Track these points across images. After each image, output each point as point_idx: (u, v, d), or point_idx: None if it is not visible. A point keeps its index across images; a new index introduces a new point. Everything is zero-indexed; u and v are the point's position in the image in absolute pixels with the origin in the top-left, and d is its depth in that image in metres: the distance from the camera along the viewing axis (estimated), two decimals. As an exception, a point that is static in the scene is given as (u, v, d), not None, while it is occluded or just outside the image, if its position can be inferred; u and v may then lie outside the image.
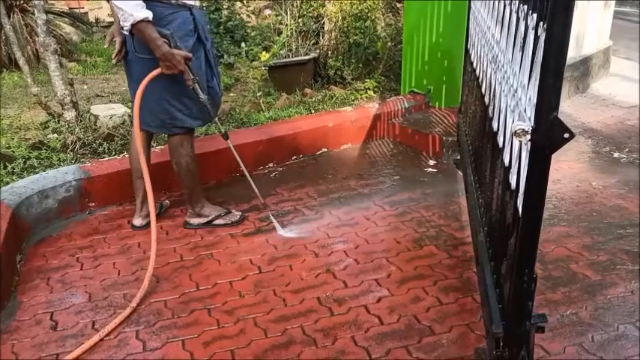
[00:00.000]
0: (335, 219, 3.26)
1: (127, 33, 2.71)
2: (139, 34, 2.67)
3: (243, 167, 3.15)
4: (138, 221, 3.18)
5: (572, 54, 5.33)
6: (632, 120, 4.86)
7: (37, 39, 5.48)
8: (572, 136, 1.44)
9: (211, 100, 2.94)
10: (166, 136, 3.10)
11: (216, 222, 3.20)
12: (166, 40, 2.68)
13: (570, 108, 5.17)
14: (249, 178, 3.14)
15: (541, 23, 1.50)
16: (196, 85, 2.82)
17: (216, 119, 3.04)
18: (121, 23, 2.66)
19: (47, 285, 2.69)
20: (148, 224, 3.16)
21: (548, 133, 1.45)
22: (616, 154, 4.14)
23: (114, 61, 2.92)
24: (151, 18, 2.62)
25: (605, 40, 6.24)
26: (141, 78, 2.74)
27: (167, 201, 3.44)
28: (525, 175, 1.54)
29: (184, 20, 2.80)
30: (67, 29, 6.99)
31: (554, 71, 1.42)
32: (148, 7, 2.63)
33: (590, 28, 5.61)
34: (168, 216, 3.32)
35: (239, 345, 2.25)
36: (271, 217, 3.17)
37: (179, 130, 2.97)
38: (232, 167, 3.85)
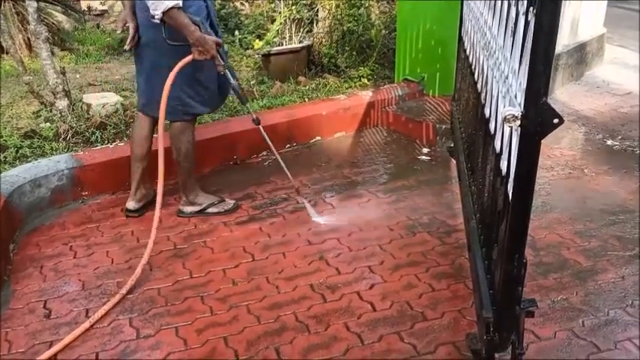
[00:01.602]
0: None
1: (157, 21, 2.70)
2: (170, 22, 2.69)
3: (274, 150, 3.18)
4: (131, 204, 3.17)
5: (567, 41, 5.32)
6: (626, 107, 4.87)
7: (28, 27, 5.43)
8: (561, 121, 1.45)
9: (220, 89, 3.02)
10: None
11: (210, 210, 3.20)
12: (197, 26, 2.71)
13: (564, 95, 5.17)
14: (280, 161, 3.16)
15: (531, 9, 1.50)
16: (227, 70, 2.88)
17: (247, 105, 3.18)
18: (152, 12, 2.66)
19: (40, 273, 2.69)
20: (141, 208, 3.19)
21: (538, 119, 1.45)
22: (609, 142, 4.15)
23: (127, 47, 2.91)
24: (181, 4, 2.64)
25: (600, 27, 6.23)
26: (171, 65, 2.75)
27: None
28: (515, 161, 1.54)
29: (198, 8, 2.82)
30: (58, 17, 6.92)
31: (543, 57, 1.42)
32: None
33: (584, 16, 5.60)
34: (162, 204, 3.30)
35: (232, 332, 2.26)
36: (305, 204, 3.17)
37: (188, 116, 3.00)
38: (226, 155, 3.85)
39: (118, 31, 2.96)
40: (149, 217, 3.17)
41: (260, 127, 3.11)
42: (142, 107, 3.08)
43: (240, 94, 3.04)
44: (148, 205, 3.24)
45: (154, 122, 3.08)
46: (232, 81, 2.93)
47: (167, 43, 2.79)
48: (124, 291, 2.49)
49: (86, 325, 2.29)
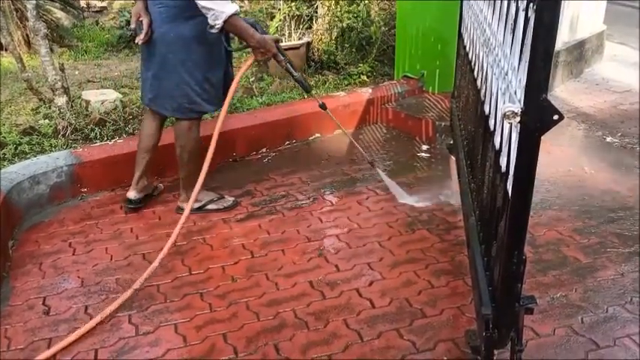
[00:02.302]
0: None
1: (216, 31, 2.73)
2: (231, 28, 2.76)
3: (343, 129, 3.34)
4: (132, 194, 3.17)
5: (566, 38, 5.31)
6: (625, 104, 4.86)
7: (27, 24, 5.42)
8: (561, 117, 1.45)
9: (224, 86, 3.04)
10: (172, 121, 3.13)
11: (209, 207, 3.20)
12: (254, 29, 2.79)
13: (564, 92, 5.17)
14: (351, 139, 3.27)
15: (531, 5, 1.50)
16: (288, 64, 2.93)
17: (313, 93, 3.28)
18: (211, 22, 2.69)
19: (40, 270, 2.69)
20: (140, 200, 3.21)
21: (538, 115, 1.45)
22: (608, 139, 4.15)
23: (140, 42, 2.90)
24: (239, 11, 2.70)
25: (599, 24, 6.22)
26: (183, 61, 2.83)
27: (161, 184, 3.44)
28: (515, 158, 1.54)
29: None
30: (57, 14, 6.90)
31: (543, 53, 1.42)
32: None
33: (584, 13, 5.59)
34: (160, 201, 3.31)
35: (231, 328, 2.27)
36: (390, 184, 3.18)
37: (194, 114, 3.01)
38: (225, 152, 3.84)
39: (132, 26, 2.93)
40: (148, 214, 3.18)
41: (328, 111, 3.23)
42: (149, 102, 3.06)
43: (304, 84, 3.11)
44: (148, 198, 3.25)
45: (162, 118, 3.12)
46: (295, 74, 2.99)
47: (226, 48, 2.92)
48: (136, 286, 2.48)
49: (97, 319, 2.29)
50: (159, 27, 2.84)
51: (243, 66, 2.89)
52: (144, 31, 2.84)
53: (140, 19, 2.86)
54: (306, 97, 4.47)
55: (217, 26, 2.70)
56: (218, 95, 3.02)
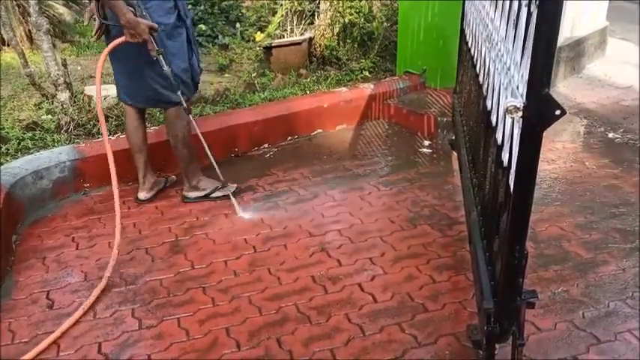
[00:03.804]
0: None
1: None
2: (107, 4, 2.72)
3: (207, 148, 3.12)
4: (142, 194, 3.23)
5: (568, 34, 5.30)
6: (628, 101, 4.86)
7: (29, 19, 5.42)
8: (563, 112, 1.45)
9: (191, 78, 3.03)
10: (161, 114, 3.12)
11: (215, 195, 3.24)
12: (132, 9, 2.70)
13: (566, 88, 5.16)
14: (215, 165, 3.13)
15: (534, 0, 1.50)
16: (160, 56, 2.83)
17: (179, 94, 2.99)
18: None
19: (43, 264, 2.70)
20: (152, 197, 3.26)
21: (540, 110, 1.45)
22: (610, 135, 4.14)
23: (93, 38, 2.97)
24: None
25: (602, 20, 6.20)
26: (142, 53, 2.78)
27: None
28: (517, 153, 1.54)
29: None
30: (59, 9, 6.89)
31: (546, 48, 1.42)
32: None
33: (586, 9, 5.58)
34: (163, 196, 3.32)
35: (234, 323, 2.28)
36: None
37: (167, 105, 3.02)
38: (227, 148, 3.85)
39: (85, 23, 2.98)
40: (151, 209, 3.19)
41: (191, 116, 3.06)
42: (124, 97, 3.11)
43: (171, 81, 2.89)
44: (160, 192, 3.32)
45: (142, 111, 3.15)
46: (165, 67, 2.85)
47: (102, 22, 2.82)
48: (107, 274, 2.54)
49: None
50: (115, 23, 2.82)
51: (111, 44, 2.78)
52: (96, 27, 2.89)
53: (93, 16, 2.90)
54: (307, 92, 4.48)
55: None
56: (187, 85, 3.01)
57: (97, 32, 2.91)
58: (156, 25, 2.76)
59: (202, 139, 3.05)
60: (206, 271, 2.63)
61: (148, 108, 3.36)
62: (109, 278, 2.55)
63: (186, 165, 3.16)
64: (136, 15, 2.71)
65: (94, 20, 2.90)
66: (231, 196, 3.17)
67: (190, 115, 3.07)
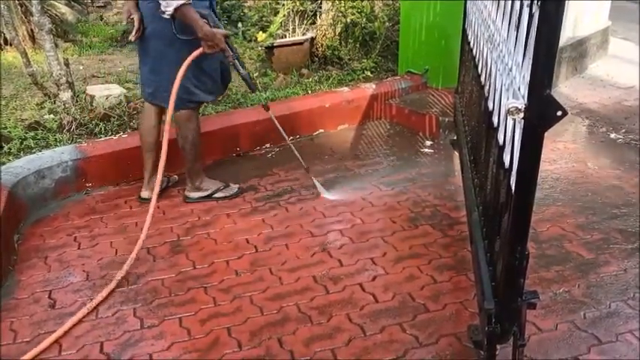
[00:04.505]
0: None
1: (167, 17, 2.76)
2: (181, 17, 2.77)
3: (285, 135, 3.34)
4: (146, 193, 3.23)
5: (570, 34, 5.30)
6: (630, 101, 4.85)
7: (32, 19, 5.43)
8: (564, 113, 1.45)
9: (221, 78, 3.09)
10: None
11: (217, 195, 3.26)
12: (206, 20, 2.80)
13: (568, 89, 5.16)
14: (294, 149, 3.30)
15: (535, 1, 1.50)
16: (236, 60, 2.99)
17: (258, 92, 3.34)
18: (163, 8, 2.72)
19: (45, 264, 2.71)
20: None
21: (541, 111, 1.45)
22: (612, 135, 4.14)
23: (132, 39, 2.96)
24: (190, 1, 2.71)
25: (604, 20, 6.19)
26: (181, 58, 2.83)
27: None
28: (518, 153, 1.55)
29: None
30: (62, 9, 6.90)
31: (547, 49, 1.42)
32: None
33: (588, 8, 5.57)
34: (165, 196, 3.32)
35: (235, 322, 2.28)
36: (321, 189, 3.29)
37: (193, 104, 3.07)
38: (229, 147, 3.85)
39: (123, 23, 3.00)
40: (155, 208, 3.19)
41: (270, 113, 3.26)
42: (148, 96, 3.13)
43: (249, 82, 3.17)
44: (162, 192, 3.30)
45: (161, 111, 3.15)
46: (242, 71, 3.05)
47: (176, 37, 2.85)
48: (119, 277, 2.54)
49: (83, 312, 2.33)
50: (150, 22, 2.89)
51: (191, 56, 2.85)
52: (135, 28, 2.91)
53: (131, 16, 2.92)
54: (309, 92, 4.49)
55: (167, 13, 2.73)
56: (215, 85, 3.08)
57: (136, 33, 2.92)
58: (229, 33, 2.86)
59: (277, 124, 3.29)
60: (207, 271, 2.63)
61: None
62: (110, 276, 2.56)
63: (191, 166, 3.18)
64: (210, 26, 2.81)
65: (131, 20, 2.92)
66: (314, 179, 3.30)
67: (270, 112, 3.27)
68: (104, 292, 2.44)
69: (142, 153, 3.21)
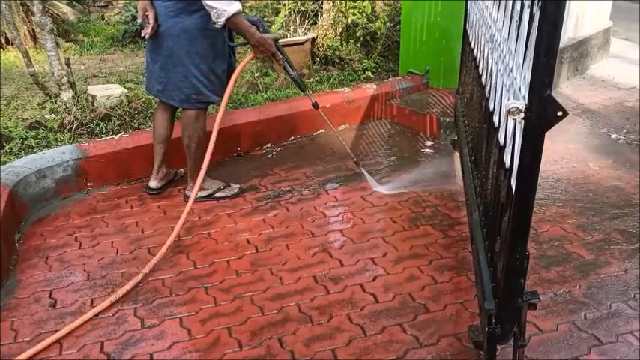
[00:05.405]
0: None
1: (219, 27, 2.82)
2: (232, 26, 2.86)
3: (334, 129, 3.52)
4: (154, 183, 3.29)
5: (572, 35, 5.30)
6: (631, 101, 4.85)
7: (33, 19, 5.44)
8: (565, 114, 1.45)
9: (228, 78, 3.10)
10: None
11: (218, 195, 3.27)
12: (255, 27, 2.89)
13: (568, 89, 5.16)
14: (340, 139, 3.40)
15: (536, 2, 1.50)
16: (286, 63, 3.06)
17: (308, 91, 3.42)
18: (214, 19, 2.77)
19: (46, 263, 2.71)
20: (162, 187, 3.34)
21: (542, 112, 1.46)
22: (613, 136, 4.14)
23: (147, 36, 2.98)
24: (241, 9, 2.79)
25: (605, 20, 6.19)
26: (189, 53, 2.92)
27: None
28: (519, 154, 1.55)
29: None
30: (63, 9, 6.92)
31: (548, 50, 1.42)
32: None
33: (589, 9, 5.57)
34: (166, 196, 3.33)
35: (236, 322, 2.28)
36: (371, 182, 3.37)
37: (201, 104, 3.10)
38: (230, 147, 3.86)
39: (139, 20, 3.01)
40: (153, 208, 3.20)
41: (320, 110, 3.39)
42: (157, 93, 3.16)
43: (300, 83, 3.23)
44: (169, 184, 3.39)
45: (174, 107, 3.19)
46: (292, 72, 3.12)
47: (197, 36, 2.91)
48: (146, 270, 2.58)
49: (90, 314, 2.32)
50: (165, 21, 2.92)
51: (243, 61, 2.99)
52: (150, 25, 2.92)
53: (146, 13, 2.94)
54: (310, 92, 4.48)
55: (219, 24, 2.79)
56: (223, 86, 3.10)
57: (152, 30, 2.94)
58: (278, 36, 2.89)
59: (326, 119, 3.42)
60: (208, 271, 2.64)
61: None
62: (113, 275, 2.56)
63: (194, 165, 3.17)
64: (260, 31, 2.89)
65: (146, 17, 2.93)
66: (364, 172, 3.38)
67: (320, 110, 3.38)
68: (120, 292, 2.45)
69: (154, 144, 3.26)
